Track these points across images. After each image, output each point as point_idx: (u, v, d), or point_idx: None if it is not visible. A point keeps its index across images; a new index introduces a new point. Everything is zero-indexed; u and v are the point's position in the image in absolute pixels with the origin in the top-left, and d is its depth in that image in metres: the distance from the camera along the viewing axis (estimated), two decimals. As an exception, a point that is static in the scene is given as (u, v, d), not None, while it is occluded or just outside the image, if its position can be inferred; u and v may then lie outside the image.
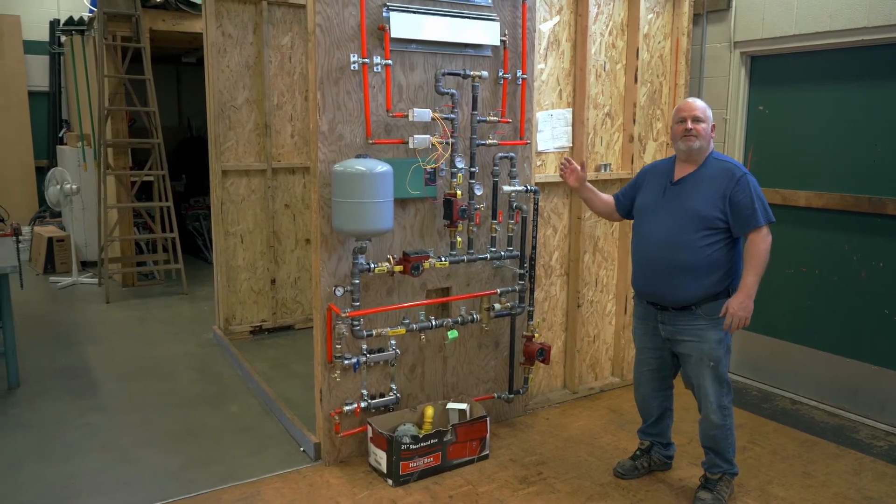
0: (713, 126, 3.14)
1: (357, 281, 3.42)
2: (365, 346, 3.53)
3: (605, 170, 4.34)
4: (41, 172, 9.04)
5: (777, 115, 4.51)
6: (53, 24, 9.36)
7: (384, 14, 3.37)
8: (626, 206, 3.44)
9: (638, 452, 3.54)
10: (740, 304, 2.95)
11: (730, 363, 3.18)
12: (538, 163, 4.11)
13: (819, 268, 4.34)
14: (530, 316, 4.01)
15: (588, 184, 3.59)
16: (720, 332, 3.07)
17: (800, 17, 4.22)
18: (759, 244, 2.95)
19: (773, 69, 4.52)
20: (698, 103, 3.12)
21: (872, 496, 3.33)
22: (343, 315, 3.40)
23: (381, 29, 3.36)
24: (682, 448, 3.72)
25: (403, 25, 3.41)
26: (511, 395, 4.04)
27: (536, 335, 3.99)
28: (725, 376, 3.14)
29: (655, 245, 3.15)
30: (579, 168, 3.54)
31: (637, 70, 4.34)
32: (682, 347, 3.18)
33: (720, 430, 3.16)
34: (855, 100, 4.12)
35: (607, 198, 3.56)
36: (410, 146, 3.45)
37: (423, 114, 3.44)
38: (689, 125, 3.07)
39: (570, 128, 4.22)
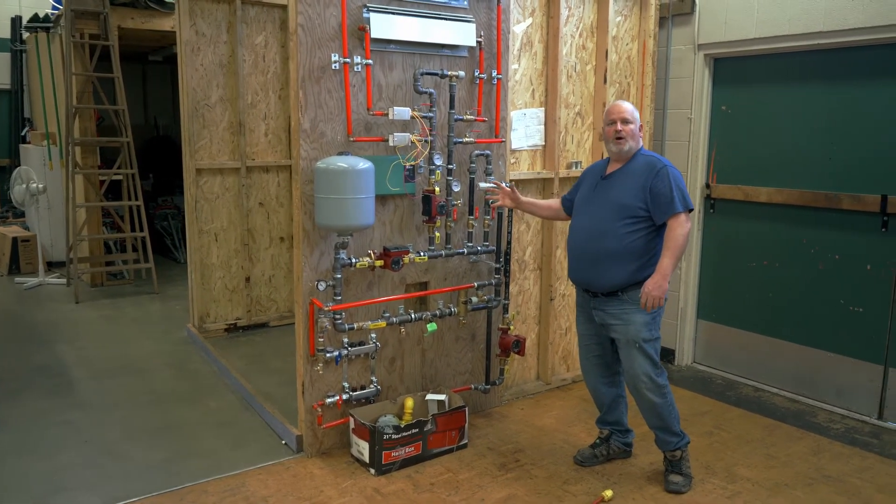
0: (641, 126, 3.36)
1: (339, 276, 3.50)
2: (346, 340, 3.61)
3: (576, 167, 4.48)
4: (2, 172, 8.85)
5: (739, 115, 4.70)
6: (15, 21, 9.20)
7: (364, 15, 3.45)
8: (571, 206, 3.62)
9: (598, 441, 3.67)
10: (655, 284, 3.14)
11: (659, 348, 3.35)
12: (512, 160, 4.22)
13: (779, 261, 4.54)
14: (506, 309, 4.13)
15: (524, 198, 3.77)
16: (646, 316, 3.26)
17: (760, 21, 4.41)
18: (677, 229, 3.14)
19: (735, 71, 4.71)
20: (626, 105, 3.33)
21: (830, 475, 3.52)
22: (326, 309, 3.48)
23: (362, 29, 3.45)
24: (650, 434, 3.86)
25: (383, 26, 3.49)
26: (488, 387, 4.16)
27: (512, 328, 4.11)
28: (657, 358, 3.31)
29: (584, 234, 3.36)
30: (508, 189, 3.72)
31: (606, 71, 4.49)
32: (612, 331, 3.37)
33: (662, 407, 3.32)
34: (813, 100, 4.32)
35: (550, 202, 3.82)
36: (390, 144, 3.54)
37: (402, 112, 3.53)
38: (619, 127, 3.28)
39: (542, 126, 4.35)
